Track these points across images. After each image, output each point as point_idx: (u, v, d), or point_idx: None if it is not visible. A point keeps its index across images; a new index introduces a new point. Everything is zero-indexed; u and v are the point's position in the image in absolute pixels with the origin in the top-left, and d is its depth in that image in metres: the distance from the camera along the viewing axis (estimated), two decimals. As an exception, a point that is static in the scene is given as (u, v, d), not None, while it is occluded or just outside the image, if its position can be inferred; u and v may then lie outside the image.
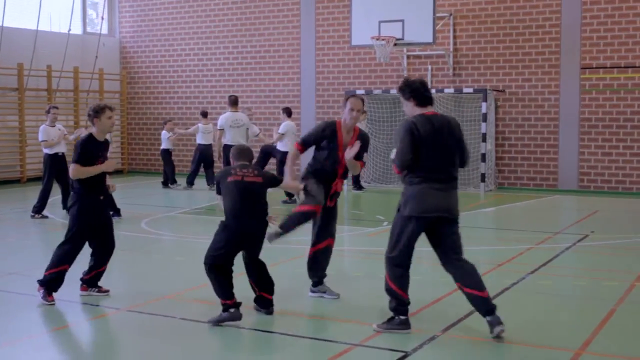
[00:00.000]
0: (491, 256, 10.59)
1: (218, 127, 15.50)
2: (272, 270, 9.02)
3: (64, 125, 20.07)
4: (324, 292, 8.02)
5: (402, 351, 6.28)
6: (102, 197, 8.04)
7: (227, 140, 15.22)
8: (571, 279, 9.37)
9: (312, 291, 8.10)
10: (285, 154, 16.40)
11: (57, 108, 14.65)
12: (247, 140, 15.71)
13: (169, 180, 19.31)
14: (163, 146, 19.45)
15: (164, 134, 19.40)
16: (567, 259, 10.35)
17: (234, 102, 15.61)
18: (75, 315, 7.62)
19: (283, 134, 16.27)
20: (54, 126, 14.21)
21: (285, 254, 10.26)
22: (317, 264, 8.02)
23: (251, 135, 16.42)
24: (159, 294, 8.29)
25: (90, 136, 7.98)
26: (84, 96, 22.74)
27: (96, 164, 7.86)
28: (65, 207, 14.27)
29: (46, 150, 14.16)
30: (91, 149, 7.87)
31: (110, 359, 6.47)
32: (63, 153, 14.28)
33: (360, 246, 11.76)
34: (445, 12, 19.36)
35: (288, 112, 16.87)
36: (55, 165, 14.10)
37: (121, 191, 18.94)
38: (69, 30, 22.09)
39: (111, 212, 13.63)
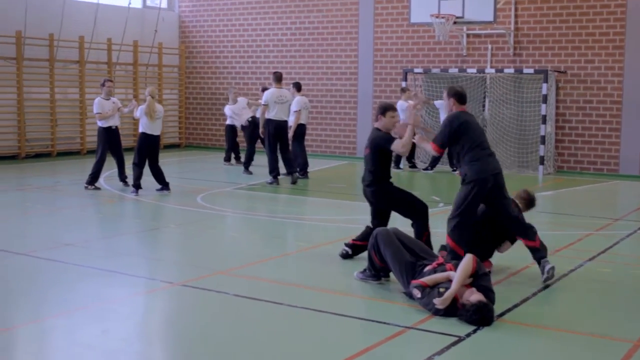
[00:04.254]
0: (549, 241, 10.30)
1: (263, 103, 15.63)
2: (325, 250, 9.03)
3: (124, 98, 20.41)
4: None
5: (456, 335, 6.19)
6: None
7: (271, 115, 15.34)
8: (631, 267, 9.13)
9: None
10: (302, 127, 16.64)
11: (112, 81, 14.79)
12: (289, 116, 15.84)
13: (226, 154, 19.27)
14: (228, 122, 19.17)
15: (227, 108, 18.98)
16: (627, 247, 10.11)
17: (278, 78, 15.75)
18: (129, 288, 7.69)
19: (299, 110, 16.27)
20: (108, 99, 14.32)
21: (341, 234, 10.22)
22: None
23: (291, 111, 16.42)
24: (212, 269, 8.33)
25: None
26: (143, 70, 22.94)
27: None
28: (121, 179, 14.49)
29: (100, 123, 14.30)
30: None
31: (162, 333, 6.52)
32: (117, 126, 14.44)
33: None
34: (507, -9, 19.01)
35: (298, 87, 16.86)
36: (108, 138, 14.27)
37: (178, 165, 19.17)
38: (129, 3, 22.25)
39: (160, 187, 13.83)
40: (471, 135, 7.89)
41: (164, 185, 13.89)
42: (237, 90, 19.17)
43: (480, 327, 6.40)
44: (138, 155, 13.73)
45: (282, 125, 15.53)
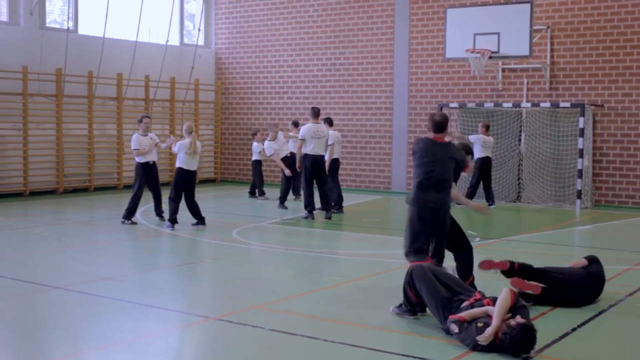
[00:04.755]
0: (587, 276, 10.22)
1: (300, 137, 15.77)
2: (360, 285, 8.97)
3: (160, 134, 20.61)
4: None
5: (494, 372, 6.11)
6: None
7: (307, 150, 15.47)
8: (673, 302, 8.97)
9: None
10: (336, 161, 16.82)
11: (149, 117, 14.95)
12: (326, 150, 15.92)
13: (257, 190, 19.40)
14: (254, 157, 19.45)
15: (255, 145, 19.35)
16: (668, 282, 9.92)
17: (316, 114, 15.91)
18: (163, 323, 7.70)
19: (332, 144, 16.38)
20: (146, 135, 14.47)
21: (375, 269, 10.17)
22: None
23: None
24: (248, 303, 8.31)
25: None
26: (179, 106, 23.18)
27: None
28: (158, 213, 14.60)
29: (138, 159, 14.44)
30: None
31: (198, 368, 6.51)
32: (154, 161, 14.57)
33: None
34: (542, 25, 18.96)
35: (330, 122, 17.00)
36: (145, 173, 14.40)
37: (213, 200, 19.25)
38: (167, 41, 22.57)
39: (196, 222, 13.90)
40: (418, 163, 8.31)
41: (200, 219, 13.96)
42: (277, 128, 19.32)
43: (520, 356, 6.30)
44: (175, 190, 13.84)
45: (318, 160, 15.59)
